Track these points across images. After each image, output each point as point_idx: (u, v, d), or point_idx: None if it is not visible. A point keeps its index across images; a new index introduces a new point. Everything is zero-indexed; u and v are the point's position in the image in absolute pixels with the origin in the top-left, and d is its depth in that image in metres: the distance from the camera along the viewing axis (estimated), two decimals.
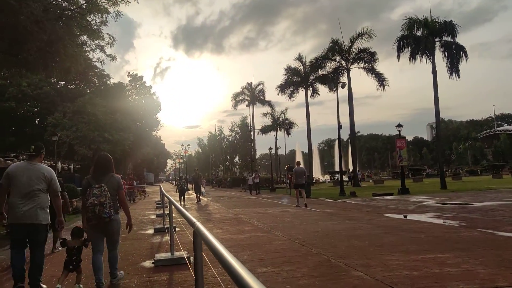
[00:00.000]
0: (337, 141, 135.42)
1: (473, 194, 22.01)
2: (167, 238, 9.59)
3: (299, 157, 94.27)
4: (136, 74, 66.55)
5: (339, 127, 26.19)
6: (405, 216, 13.11)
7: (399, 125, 25.47)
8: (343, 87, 31.35)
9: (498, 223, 10.53)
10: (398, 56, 29.77)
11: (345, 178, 59.52)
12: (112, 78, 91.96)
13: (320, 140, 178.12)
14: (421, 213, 13.91)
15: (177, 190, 25.45)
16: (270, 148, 40.92)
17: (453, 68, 29.03)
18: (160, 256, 7.19)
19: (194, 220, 2.96)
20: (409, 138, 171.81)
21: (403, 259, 6.63)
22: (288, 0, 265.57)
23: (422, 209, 15.31)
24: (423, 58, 28.94)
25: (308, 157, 53.48)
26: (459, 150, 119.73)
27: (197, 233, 2.67)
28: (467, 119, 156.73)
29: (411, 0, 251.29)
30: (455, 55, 28.70)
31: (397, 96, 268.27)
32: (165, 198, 9.67)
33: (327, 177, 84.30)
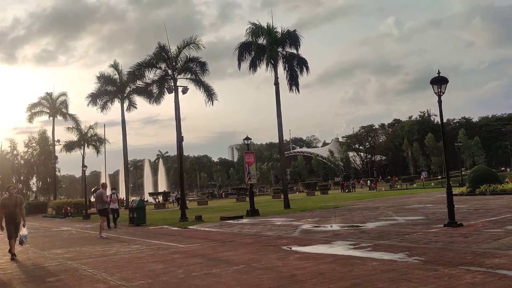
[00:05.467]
0: (146, 161, 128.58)
1: (332, 213, 20.07)
2: None
3: (106, 179, 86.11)
4: None
5: (181, 138, 21.93)
6: (296, 248, 9.59)
7: (247, 138, 22.57)
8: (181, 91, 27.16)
9: (457, 254, 7.83)
10: (239, 64, 27.20)
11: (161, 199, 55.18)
12: None
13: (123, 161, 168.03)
14: (325, 243, 10.68)
15: None
16: (85, 166, 33.74)
17: (293, 81, 27.85)
18: None
19: None
20: (215, 159, 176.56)
21: None
22: (93, 16, 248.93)
23: (317, 236, 12.15)
24: (267, 68, 27.01)
25: (124, 177, 47.22)
26: (263, 170, 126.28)
27: None
28: (266, 142, 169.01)
29: (215, 31, 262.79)
30: (295, 68, 27.54)
31: (200, 119, 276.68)
32: None
33: (135, 198, 78.66)
